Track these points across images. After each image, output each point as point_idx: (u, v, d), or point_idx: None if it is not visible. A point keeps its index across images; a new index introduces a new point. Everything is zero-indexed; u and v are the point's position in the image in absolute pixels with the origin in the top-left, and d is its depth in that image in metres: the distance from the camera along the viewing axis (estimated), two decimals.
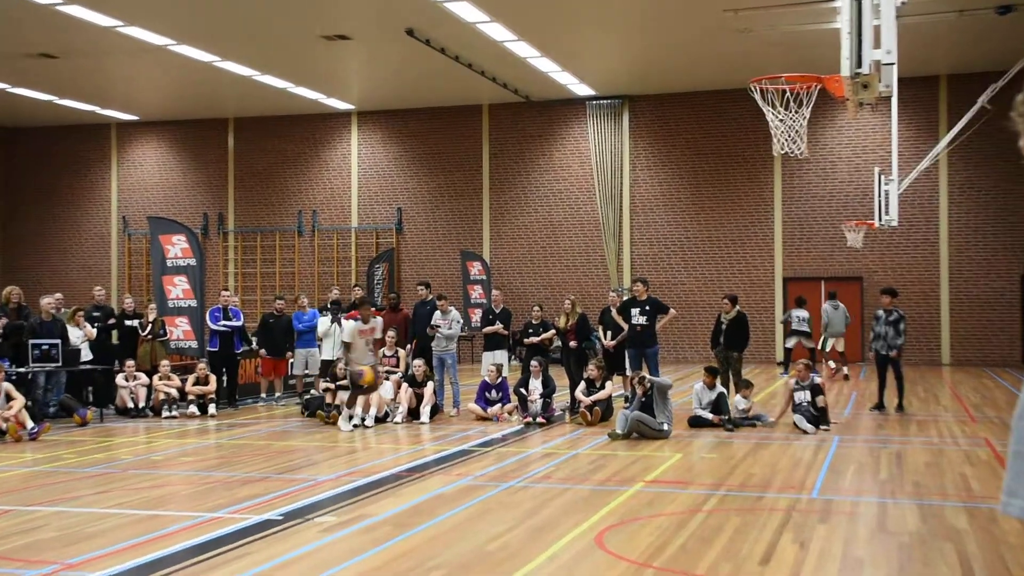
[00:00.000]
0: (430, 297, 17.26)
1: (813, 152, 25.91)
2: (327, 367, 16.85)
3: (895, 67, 9.38)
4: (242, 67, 24.51)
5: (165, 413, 16.21)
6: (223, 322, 17.92)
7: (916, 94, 25.30)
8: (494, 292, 18.57)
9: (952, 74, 25.70)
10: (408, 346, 16.90)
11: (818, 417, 13.89)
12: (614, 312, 16.39)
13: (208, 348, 17.88)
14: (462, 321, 17.28)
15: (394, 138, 30.26)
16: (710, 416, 14.29)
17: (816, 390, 14.14)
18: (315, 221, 30.78)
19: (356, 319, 14.62)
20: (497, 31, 21.20)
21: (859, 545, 7.63)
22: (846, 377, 21.43)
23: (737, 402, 14.63)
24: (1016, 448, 1.15)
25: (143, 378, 16.73)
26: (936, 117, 26.00)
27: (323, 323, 18.17)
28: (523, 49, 22.81)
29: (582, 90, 27.46)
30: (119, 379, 16.66)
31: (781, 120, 11.66)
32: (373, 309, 18.75)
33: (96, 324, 17.61)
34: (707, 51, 23.32)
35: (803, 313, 20.91)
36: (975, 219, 25.94)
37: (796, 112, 11.70)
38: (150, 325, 17.61)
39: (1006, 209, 25.34)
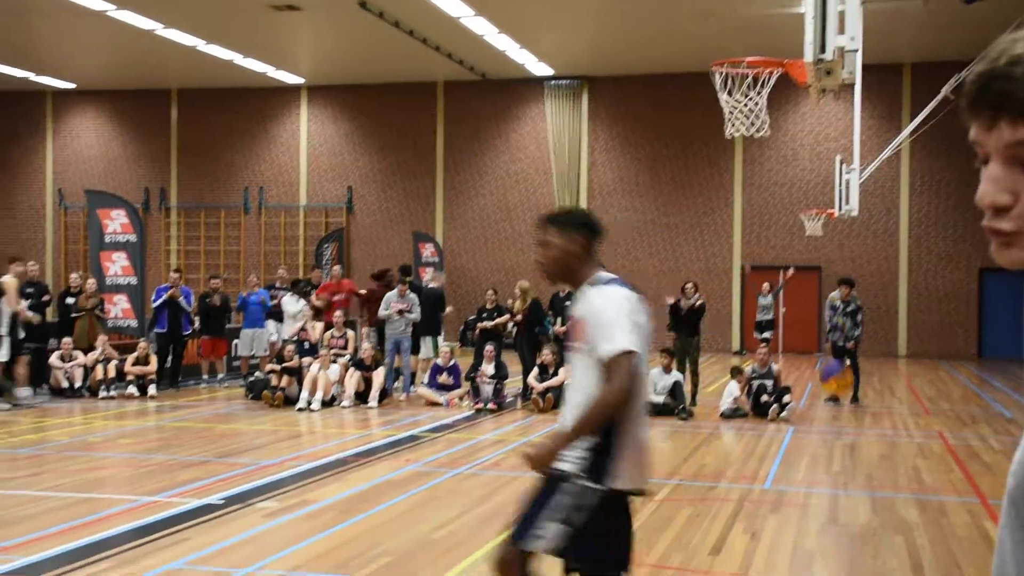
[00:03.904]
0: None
1: (774, 139, 26.16)
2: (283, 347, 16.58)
3: (859, 54, 9.53)
4: (186, 36, 24.18)
5: (103, 393, 16.04)
6: (167, 297, 17.62)
7: (879, 82, 25.61)
8: (437, 273, 18.50)
9: (916, 62, 26.07)
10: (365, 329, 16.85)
11: (781, 402, 14.19)
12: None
13: (157, 329, 17.72)
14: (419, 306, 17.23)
15: (345, 114, 30.07)
16: (663, 400, 14.44)
17: (776, 379, 14.45)
18: (262, 198, 30.53)
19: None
20: (454, 6, 21.12)
21: (810, 537, 7.79)
22: None
23: (730, 389, 14.73)
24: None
25: (80, 357, 16.52)
26: (899, 106, 26.38)
27: (291, 302, 18.03)
28: (480, 25, 22.74)
29: (541, 70, 27.46)
30: (54, 359, 16.44)
31: (737, 102, 11.79)
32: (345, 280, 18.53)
33: (29, 301, 17.35)
34: (669, 33, 23.44)
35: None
36: (936, 210, 26.37)
37: (757, 94, 11.84)
38: (89, 299, 17.26)
39: (967, 201, 25.74)
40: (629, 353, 3.96)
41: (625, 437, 4.07)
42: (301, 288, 18.65)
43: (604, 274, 4.25)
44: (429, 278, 17.63)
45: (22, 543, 7.22)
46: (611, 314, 4.05)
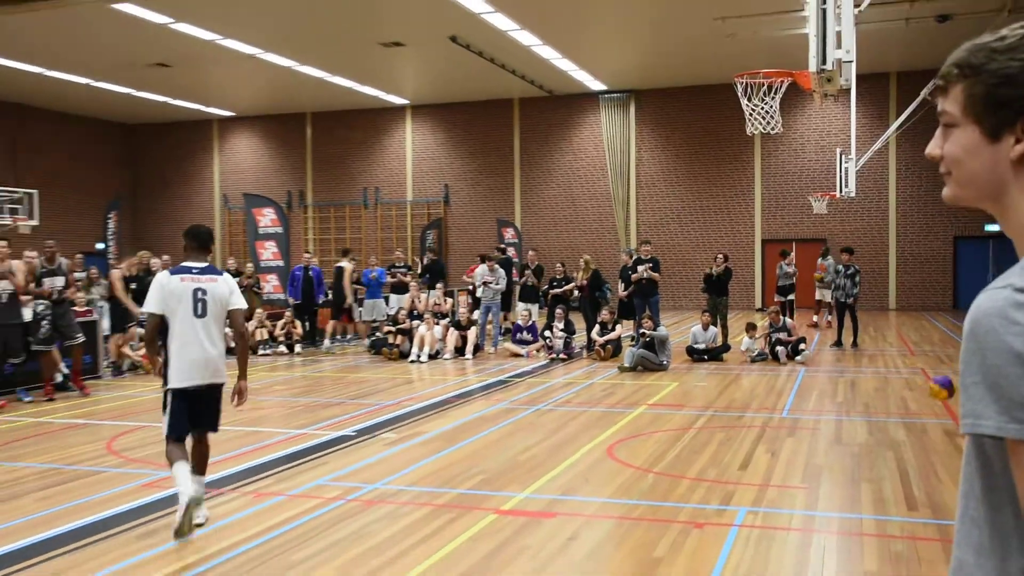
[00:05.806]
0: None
1: (786, 136, 25.60)
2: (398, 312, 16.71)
3: (854, 64, 9.24)
4: (316, 70, 24.45)
5: (260, 351, 16.43)
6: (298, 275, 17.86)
7: (871, 88, 24.83)
8: (530, 252, 18.41)
9: (901, 71, 25.19)
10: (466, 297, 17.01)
11: (795, 350, 13.97)
12: (640, 268, 15.92)
13: (292, 300, 17.99)
14: (506, 278, 17.14)
15: (441, 127, 30.14)
16: (702, 345, 14.44)
17: (789, 331, 14.24)
18: (378, 196, 30.82)
19: None
20: (525, 37, 21.00)
21: (819, 454, 7.68)
22: (828, 324, 21.13)
23: (745, 343, 14.52)
24: (972, 379, 1.19)
25: None
26: (887, 107, 25.53)
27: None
28: (547, 52, 22.57)
29: (596, 86, 27.17)
30: None
31: (755, 106, 11.53)
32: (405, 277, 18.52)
33: None
34: (701, 52, 22.97)
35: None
36: (918, 191, 25.55)
37: (771, 99, 11.56)
38: (248, 279, 17.59)
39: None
40: (150, 315, 5.61)
41: (172, 358, 5.59)
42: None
43: (181, 265, 5.71)
44: (531, 256, 17.72)
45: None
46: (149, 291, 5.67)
